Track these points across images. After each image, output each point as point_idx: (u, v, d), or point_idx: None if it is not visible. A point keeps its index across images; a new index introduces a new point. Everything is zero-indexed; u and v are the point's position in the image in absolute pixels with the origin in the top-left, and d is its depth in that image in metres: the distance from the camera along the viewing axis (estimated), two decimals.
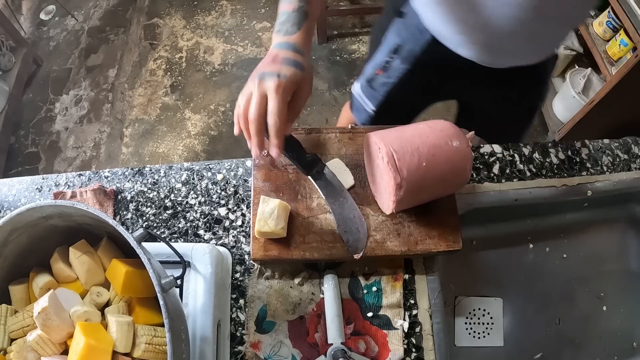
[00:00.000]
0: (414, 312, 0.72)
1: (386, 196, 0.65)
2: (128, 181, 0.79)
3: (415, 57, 0.81)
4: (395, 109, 0.96)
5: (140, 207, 0.77)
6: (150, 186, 0.79)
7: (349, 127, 0.76)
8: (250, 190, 0.78)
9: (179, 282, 0.53)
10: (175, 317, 0.49)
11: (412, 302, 0.72)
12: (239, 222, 0.76)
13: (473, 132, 0.75)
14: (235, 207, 0.77)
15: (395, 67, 0.85)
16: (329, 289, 0.70)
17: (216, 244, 0.74)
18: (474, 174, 0.82)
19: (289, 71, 0.58)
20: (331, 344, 0.66)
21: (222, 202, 0.78)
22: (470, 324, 0.86)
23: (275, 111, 0.56)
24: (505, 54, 0.75)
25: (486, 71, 0.78)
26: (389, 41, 0.85)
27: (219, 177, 0.79)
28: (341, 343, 0.65)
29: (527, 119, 0.96)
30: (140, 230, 0.51)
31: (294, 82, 0.59)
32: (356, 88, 0.98)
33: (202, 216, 0.77)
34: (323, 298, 0.71)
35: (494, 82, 0.83)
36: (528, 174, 0.83)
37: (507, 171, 0.83)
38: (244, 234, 0.76)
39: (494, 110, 0.95)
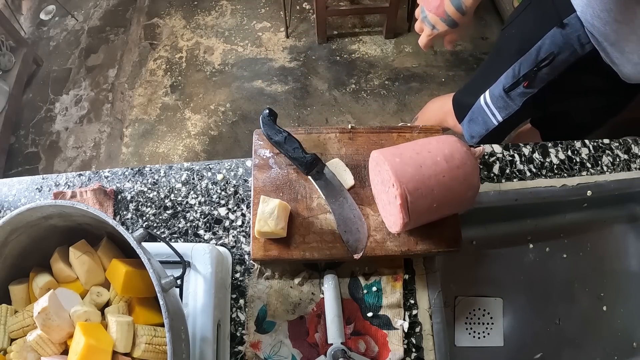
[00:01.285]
0: (414, 312, 0.72)
1: (391, 219, 0.65)
2: (128, 181, 0.79)
3: (567, 67, 0.80)
4: (512, 123, 0.94)
5: (140, 207, 0.77)
6: (150, 186, 0.79)
7: (349, 127, 0.76)
8: (250, 190, 0.78)
9: (179, 282, 0.53)
10: (175, 317, 0.49)
11: (412, 302, 0.72)
12: (239, 222, 0.76)
13: (483, 147, 0.78)
14: (235, 207, 0.77)
15: (540, 77, 0.83)
16: (329, 289, 0.70)
17: (216, 244, 0.74)
18: None
19: (442, 27, 0.73)
20: (331, 344, 0.66)
21: (222, 202, 0.78)
22: (470, 324, 0.86)
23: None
24: None
25: (608, 87, 0.80)
26: (542, 50, 0.82)
27: (219, 177, 0.79)
28: (341, 343, 0.65)
29: (603, 122, 0.99)
30: (140, 230, 0.51)
31: (440, 35, 0.74)
32: (485, 98, 0.94)
33: (202, 216, 0.77)
34: (323, 298, 0.71)
35: (600, 93, 0.86)
36: (528, 174, 0.83)
37: (507, 171, 0.83)
38: (244, 234, 0.76)
39: (582, 117, 0.98)
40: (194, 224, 0.76)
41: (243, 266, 0.73)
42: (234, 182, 0.79)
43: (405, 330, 0.70)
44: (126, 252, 0.60)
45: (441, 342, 0.70)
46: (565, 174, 0.83)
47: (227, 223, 0.76)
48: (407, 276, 0.73)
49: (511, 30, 0.90)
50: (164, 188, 0.79)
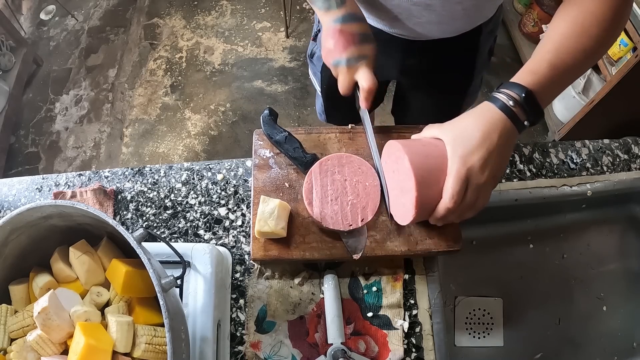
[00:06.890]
0: (414, 312, 0.72)
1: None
2: (128, 181, 0.79)
3: None
4: (339, 95, 0.92)
5: (140, 207, 0.77)
6: (150, 186, 0.79)
7: (349, 127, 0.76)
8: (250, 190, 0.78)
9: (179, 282, 0.53)
10: (175, 317, 0.49)
11: (412, 302, 0.72)
12: (239, 222, 0.76)
13: None
14: (235, 207, 0.77)
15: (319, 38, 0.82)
16: (329, 289, 0.70)
17: (216, 244, 0.74)
18: None
19: (369, 50, 0.65)
20: (331, 344, 0.66)
21: (222, 202, 0.78)
22: (470, 324, 0.86)
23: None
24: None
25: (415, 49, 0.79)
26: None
27: (219, 177, 0.79)
28: (341, 343, 0.65)
29: (457, 106, 0.97)
30: (140, 230, 0.51)
31: (374, 56, 0.66)
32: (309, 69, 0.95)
33: (202, 216, 0.77)
34: (323, 298, 0.71)
35: (423, 68, 0.84)
36: (528, 174, 0.83)
37: (507, 171, 0.83)
38: (244, 234, 0.76)
39: (426, 99, 0.96)
40: (194, 224, 0.76)
41: (243, 266, 0.73)
42: (234, 182, 0.79)
43: (405, 330, 0.70)
44: (126, 252, 0.60)
45: (441, 342, 0.70)
46: (565, 174, 0.83)
47: (227, 223, 0.76)
48: (407, 276, 0.73)
49: None
50: (164, 188, 0.79)
